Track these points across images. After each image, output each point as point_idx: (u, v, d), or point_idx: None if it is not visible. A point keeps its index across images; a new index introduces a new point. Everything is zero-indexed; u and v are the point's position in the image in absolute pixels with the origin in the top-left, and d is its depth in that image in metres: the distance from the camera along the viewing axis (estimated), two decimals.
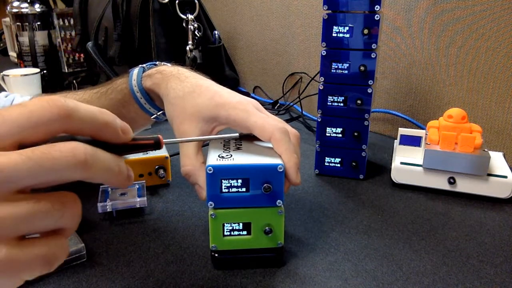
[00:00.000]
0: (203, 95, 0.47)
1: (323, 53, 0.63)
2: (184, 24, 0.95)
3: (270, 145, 0.46)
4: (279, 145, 0.42)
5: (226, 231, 0.44)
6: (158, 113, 0.54)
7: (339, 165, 0.67)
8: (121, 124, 0.29)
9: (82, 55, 1.28)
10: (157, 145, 0.33)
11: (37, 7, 1.30)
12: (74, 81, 1.17)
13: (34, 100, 0.26)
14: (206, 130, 0.47)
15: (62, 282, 0.43)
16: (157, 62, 0.56)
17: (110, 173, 0.27)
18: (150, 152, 0.62)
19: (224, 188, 0.42)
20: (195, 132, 0.46)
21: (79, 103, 0.27)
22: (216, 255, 0.45)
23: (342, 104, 0.64)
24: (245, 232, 0.44)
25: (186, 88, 0.48)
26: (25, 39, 1.29)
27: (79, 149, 0.25)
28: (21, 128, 0.25)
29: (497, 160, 0.63)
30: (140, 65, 0.55)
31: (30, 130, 0.25)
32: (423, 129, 0.72)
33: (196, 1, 0.97)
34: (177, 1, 0.94)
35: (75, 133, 0.27)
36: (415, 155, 0.64)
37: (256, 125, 0.43)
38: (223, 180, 0.42)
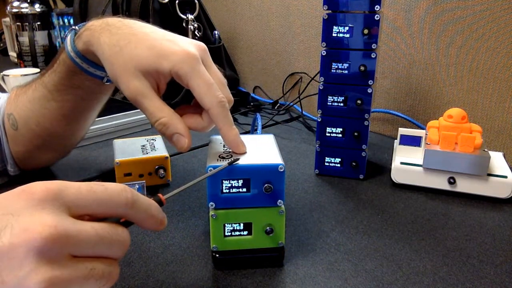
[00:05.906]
0: (141, 45, 0.44)
1: (323, 53, 0.63)
2: (184, 24, 0.95)
3: (270, 145, 0.46)
4: (217, 120, 0.43)
5: (227, 232, 0.44)
6: (107, 75, 0.50)
7: (339, 165, 0.67)
8: (162, 216, 0.35)
9: None
10: (159, 204, 0.36)
11: (37, 7, 1.30)
12: None
13: (113, 185, 0.32)
14: (153, 85, 0.44)
15: None
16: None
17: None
18: (150, 152, 0.62)
19: (225, 189, 0.42)
20: (146, 86, 0.43)
21: (139, 195, 0.33)
22: (217, 255, 0.45)
23: (342, 104, 0.64)
24: (246, 232, 0.44)
25: (121, 41, 0.44)
26: (25, 39, 1.29)
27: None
28: (98, 206, 0.31)
29: (497, 160, 0.63)
30: (72, 27, 0.51)
31: (102, 208, 0.31)
32: (423, 129, 0.72)
33: (196, 1, 0.97)
34: (177, 1, 0.94)
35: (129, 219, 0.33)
36: (415, 155, 0.64)
37: (196, 91, 0.42)
38: (223, 181, 0.42)
